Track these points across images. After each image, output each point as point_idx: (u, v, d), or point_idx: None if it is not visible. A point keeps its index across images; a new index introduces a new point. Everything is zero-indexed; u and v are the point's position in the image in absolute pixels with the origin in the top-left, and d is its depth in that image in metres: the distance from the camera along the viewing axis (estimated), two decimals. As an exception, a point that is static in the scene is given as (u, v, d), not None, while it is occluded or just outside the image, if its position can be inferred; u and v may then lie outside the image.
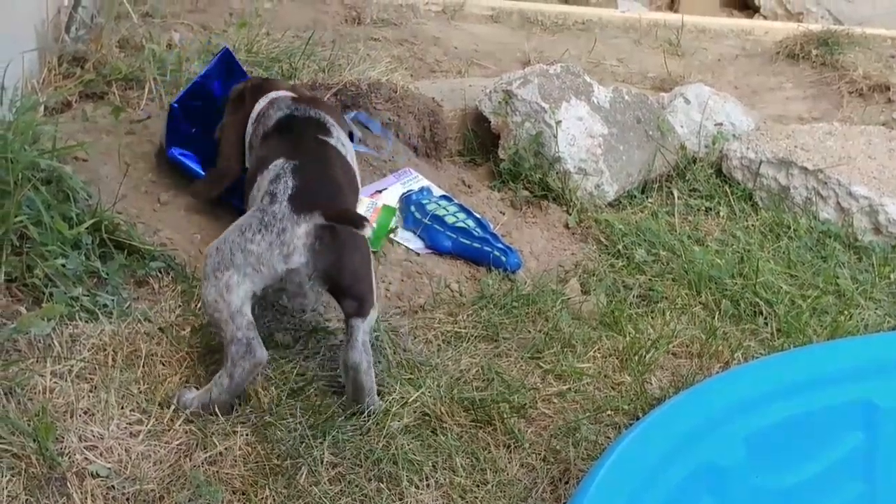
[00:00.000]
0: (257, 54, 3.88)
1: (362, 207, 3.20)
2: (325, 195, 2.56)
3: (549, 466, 2.52)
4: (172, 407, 2.41)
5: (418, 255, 3.20)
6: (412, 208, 3.28)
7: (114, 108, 3.26)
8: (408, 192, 3.36)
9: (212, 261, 2.46)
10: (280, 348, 2.71)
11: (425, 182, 3.44)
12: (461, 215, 3.29)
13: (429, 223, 3.24)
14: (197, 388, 2.47)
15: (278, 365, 2.63)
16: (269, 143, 2.82)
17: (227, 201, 3.02)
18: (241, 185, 2.85)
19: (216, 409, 2.43)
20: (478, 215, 3.35)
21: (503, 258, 3.22)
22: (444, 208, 3.29)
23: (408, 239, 3.24)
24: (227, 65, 3.28)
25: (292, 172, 2.58)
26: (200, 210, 3.05)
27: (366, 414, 2.53)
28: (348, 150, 2.91)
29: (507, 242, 3.32)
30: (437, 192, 3.43)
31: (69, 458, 2.22)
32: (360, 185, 2.90)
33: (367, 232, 2.43)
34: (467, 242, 3.22)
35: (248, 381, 2.44)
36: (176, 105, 3.12)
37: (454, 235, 3.23)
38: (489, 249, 3.22)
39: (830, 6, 6.34)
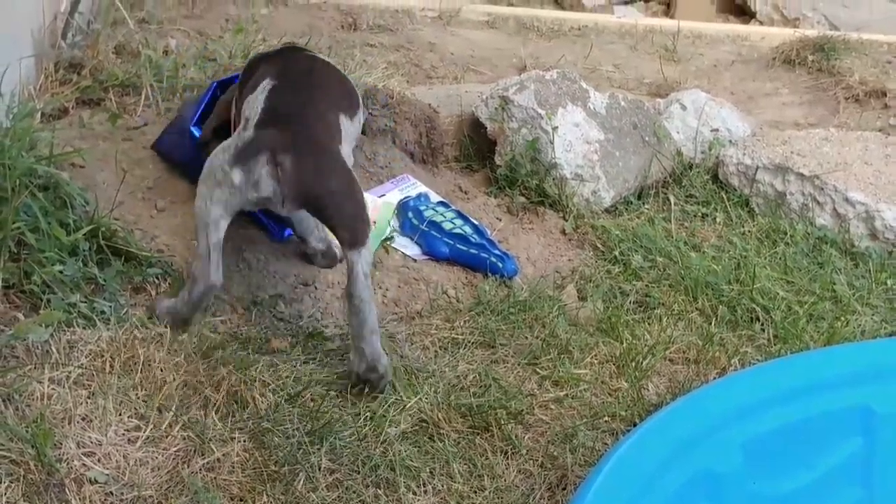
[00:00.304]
0: (254, 60, 3.87)
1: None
2: (289, 115, 2.61)
3: (546, 472, 2.52)
4: (171, 413, 2.40)
5: (415, 261, 3.20)
6: (409, 214, 3.28)
7: (110, 114, 3.27)
8: (405, 198, 3.36)
9: (204, 175, 2.58)
10: (277, 353, 2.71)
11: (423, 188, 3.45)
12: (458, 221, 3.29)
13: (426, 229, 3.24)
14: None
15: (275, 370, 2.63)
16: (260, 68, 2.89)
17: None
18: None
19: (179, 324, 2.62)
20: (475, 221, 3.35)
21: (500, 264, 3.22)
22: (442, 214, 3.30)
23: (405, 245, 3.24)
24: None
25: (268, 94, 2.68)
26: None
27: (373, 374, 2.58)
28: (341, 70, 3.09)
29: (503, 248, 3.32)
30: (435, 198, 3.43)
31: (67, 464, 2.22)
32: (359, 99, 3.02)
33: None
34: (464, 248, 3.23)
35: (203, 301, 2.63)
36: (216, 84, 3.15)
37: (451, 242, 3.23)
38: (486, 256, 3.22)
39: (827, 12, 6.35)
